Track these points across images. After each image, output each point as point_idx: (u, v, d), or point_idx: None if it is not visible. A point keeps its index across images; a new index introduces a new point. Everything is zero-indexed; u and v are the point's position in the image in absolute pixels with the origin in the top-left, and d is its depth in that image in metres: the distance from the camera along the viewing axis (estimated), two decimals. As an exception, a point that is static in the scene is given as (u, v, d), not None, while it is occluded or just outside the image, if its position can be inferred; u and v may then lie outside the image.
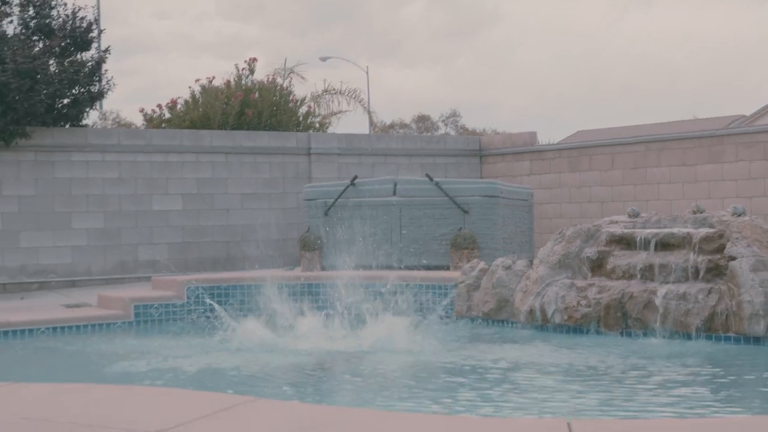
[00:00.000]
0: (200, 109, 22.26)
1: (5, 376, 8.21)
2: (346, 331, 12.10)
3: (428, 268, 15.42)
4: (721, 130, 19.41)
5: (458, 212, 15.68)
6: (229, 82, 23.13)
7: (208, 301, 14.10)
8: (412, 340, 11.87)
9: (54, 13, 19.29)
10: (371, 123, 38.38)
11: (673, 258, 11.59)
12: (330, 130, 27.47)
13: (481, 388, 8.82)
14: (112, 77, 19.48)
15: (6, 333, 12.78)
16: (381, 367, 10.05)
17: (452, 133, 70.53)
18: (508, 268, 13.02)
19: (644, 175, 19.82)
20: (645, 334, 11.35)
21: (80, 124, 19.50)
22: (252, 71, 23.59)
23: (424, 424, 5.75)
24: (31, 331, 12.99)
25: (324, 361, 10.54)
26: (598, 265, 12.37)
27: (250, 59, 23.76)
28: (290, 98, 23.78)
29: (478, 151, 23.04)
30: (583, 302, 11.88)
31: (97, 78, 19.08)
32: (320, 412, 6.24)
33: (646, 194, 19.73)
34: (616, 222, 12.95)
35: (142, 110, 23.60)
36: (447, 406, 8.10)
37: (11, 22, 19.02)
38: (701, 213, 12.50)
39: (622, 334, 11.56)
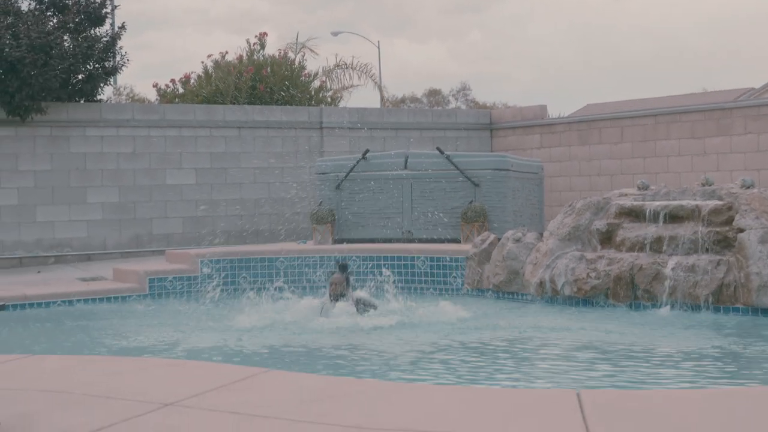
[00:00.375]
0: (213, 84, 22.25)
1: (22, 349, 8.26)
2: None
3: (439, 240, 15.42)
4: (730, 102, 19.32)
5: (469, 185, 15.66)
6: (241, 56, 23.10)
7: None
8: (426, 313, 11.89)
9: (68, -12, 19.26)
10: (382, 97, 38.29)
11: (682, 230, 11.57)
12: (342, 104, 27.44)
13: (490, 360, 8.83)
14: (126, 53, 19.46)
15: (23, 306, 12.84)
16: (392, 342, 10.07)
17: (463, 107, 70.33)
18: (518, 240, 13.02)
19: (653, 148, 19.75)
20: (654, 306, 11.35)
21: (95, 99, 19.50)
22: (263, 46, 23.54)
23: (430, 395, 5.76)
24: (47, 304, 13.05)
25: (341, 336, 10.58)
26: (607, 238, 12.36)
27: (260, 34, 23.71)
28: (302, 73, 23.74)
29: (489, 124, 22.98)
30: (593, 274, 11.88)
31: (111, 53, 19.06)
32: (329, 383, 6.26)
33: (655, 167, 19.67)
34: (626, 194, 12.93)
35: (155, 85, 23.62)
36: (458, 376, 8.12)
37: (25, -2, 19.02)
38: (710, 185, 12.47)
39: (631, 305, 11.56)
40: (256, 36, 23.75)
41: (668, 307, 11.20)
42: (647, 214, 12.00)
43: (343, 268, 11.92)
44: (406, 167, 16.19)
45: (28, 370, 6.64)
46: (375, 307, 11.55)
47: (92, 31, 19.16)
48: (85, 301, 13.35)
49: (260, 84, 21.94)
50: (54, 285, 14.26)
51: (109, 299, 13.57)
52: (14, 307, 12.67)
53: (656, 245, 11.71)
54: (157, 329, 11.17)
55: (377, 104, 37.59)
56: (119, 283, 14.39)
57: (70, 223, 18.44)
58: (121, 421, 5.04)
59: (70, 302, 13.21)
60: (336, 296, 11.60)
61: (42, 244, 18.21)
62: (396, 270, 14.14)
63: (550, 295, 12.24)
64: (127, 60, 19.37)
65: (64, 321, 12.14)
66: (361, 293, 11.88)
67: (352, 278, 12.13)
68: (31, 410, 5.35)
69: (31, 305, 12.92)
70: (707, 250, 11.33)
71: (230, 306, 13.21)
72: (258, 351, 9.52)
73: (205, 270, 14.34)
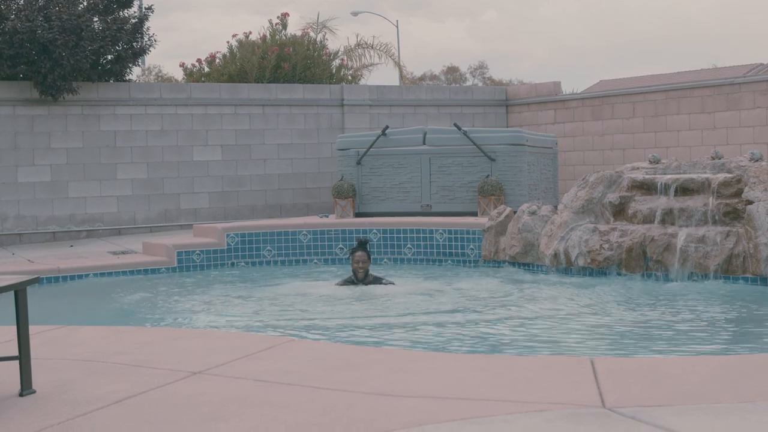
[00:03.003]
0: (237, 63, 22.22)
1: (57, 320, 8.30)
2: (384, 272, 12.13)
3: (457, 214, 15.42)
4: (739, 78, 19.18)
5: (485, 160, 15.64)
6: (264, 36, 23.06)
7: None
8: (443, 283, 11.91)
9: (96, -28, 19.24)
10: (401, 75, 38.18)
11: (693, 202, 11.53)
12: (362, 82, 27.40)
13: (505, 328, 8.84)
14: (153, 34, 19.42)
15: (57, 279, 12.91)
16: (414, 306, 10.09)
17: (479, 84, 70.09)
18: (533, 213, 13.00)
19: (664, 123, 19.66)
20: (665, 276, 11.33)
21: (124, 79, 19.51)
22: (284, 26, 23.46)
23: (451, 363, 5.77)
24: (80, 277, 13.11)
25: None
26: (620, 210, 12.33)
27: (282, 14, 23.63)
28: (323, 52, 23.69)
29: (505, 101, 22.90)
30: (606, 246, 11.86)
31: (139, 35, 19.05)
32: (351, 351, 6.28)
33: (666, 141, 19.58)
34: (638, 168, 12.88)
35: (182, 65, 23.59)
36: (471, 345, 8.14)
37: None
38: (719, 159, 12.41)
39: (642, 276, 11.54)
40: (278, 16, 23.69)
41: (679, 277, 11.18)
42: (659, 187, 11.96)
43: (364, 244, 11.72)
44: (424, 143, 16.17)
45: (62, 341, 6.68)
46: (393, 284, 11.54)
47: (120, 13, 19.15)
48: (116, 273, 13.42)
49: (284, 63, 21.90)
50: (86, 258, 14.33)
51: (138, 272, 13.62)
52: (48, 279, 12.74)
53: (667, 217, 11.68)
54: (185, 301, 11.22)
55: (396, 82, 37.51)
56: (148, 256, 14.44)
57: (101, 199, 18.51)
58: (151, 389, 5.08)
59: (102, 275, 13.27)
60: (363, 274, 11.43)
61: (74, 219, 18.28)
62: (415, 242, 14.16)
63: (565, 266, 12.23)
64: (155, 41, 19.36)
65: (96, 293, 12.21)
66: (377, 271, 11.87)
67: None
68: (66, 378, 5.40)
69: (65, 278, 12.99)
70: (717, 221, 11.30)
71: (256, 278, 13.26)
72: (284, 321, 9.56)
73: (231, 243, 14.37)
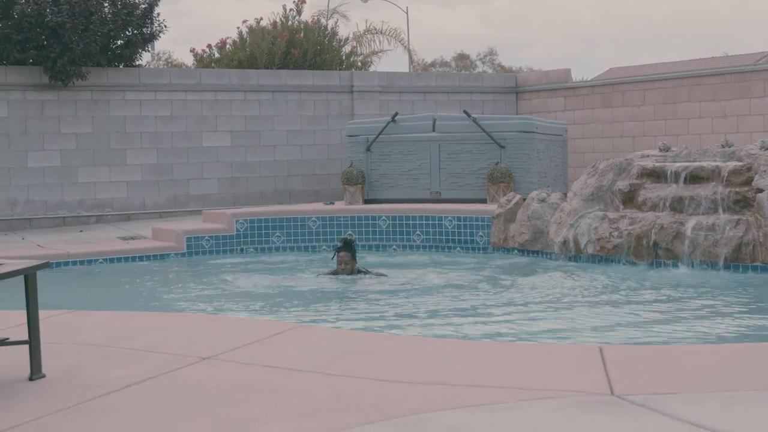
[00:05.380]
0: (248, 50, 22.19)
1: (66, 305, 8.32)
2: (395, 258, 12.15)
3: (466, 201, 15.40)
4: (749, 66, 19.12)
5: (495, 147, 15.61)
6: (275, 22, 23.01)
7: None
8: (451, 270, 11.91)
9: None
10: (411, 61, 38.09)
11: (702, 190, 11.50)
12: (371, 68, 27.33)
13: (514, 315, 8.84)
14: (163, 20, 19.42)
15: (66, 264, 12.92)
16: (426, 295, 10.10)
17: (489, 71, 69.95)
18: (543, 200, 12.98)
19: (675, 111, 19.61)
20: (674, 264, 11.31)
21: (133, 64, 19.51)
22: (299, 12, 23.41)
23: (460, 350, 5.77)
24: (90, 261, 13.13)
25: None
26: (629, 198, 12.30)
27: (299, 0, 23.55)
28: (334, 38, 23.65)
29: (514, 88, 22.86)
30: (615, 233, 11.83)
31: (149, 20, 19.03)
32: (360, 337, 6.29)
33: (676, 129, 19.53)
34: (648, 156, 12.85)
35: (192, 50, 23.57)
36: (481, 331, 8.14)
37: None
38: (730, 147, 12.37)
39: (652, 264, 11.52)
40: (294, 2, 23.58)
41: (688, 265, 11.16)
42: (668, 174, 11.93)
43: (348, 244, 11.44)
44: (434, 130, 16.15)
45: (72, 325, 6.70)
46: (386, 276, 11.42)
47: (131, -2, 19.15)
48: (126, 259, 13.44)
49: (295, 49, 21.87)
50: (96, 243, 14.36)
51: (148, 257, 13.65)
52: (58, 264, 12.75)
53: (677, 205, 11.65)
54: (194, 286, 11.24)
55: (406, 69, 37.44)
56: (158, 241, 14.46)
57: (111, 184, 18.53)
58: (160, 374, 5.08)
59: (111, 260, 13.29)
60: (344, 273, 11.28)
61: (84, 204, 18.31)
62: (424, 229, 14.15)
63: (574, 254, 12.22)
64: (165, 26, 19.35)
65: (106, 278, 12.24)
66: (366, 267, 11.73)
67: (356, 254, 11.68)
68: (76, 363, 5.41)
69: (74, 263, 13.00)
70: (727, 209, 11.26)
71: (265, 264, 13.27)
72: (294, 306, 9.57)
73: (240, 229, 14.38)
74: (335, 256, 11.39)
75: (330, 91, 20.70)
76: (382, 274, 11.37)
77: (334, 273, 11.34)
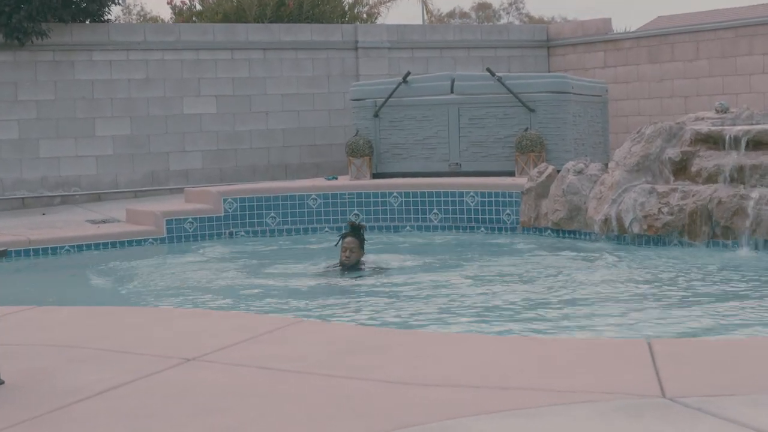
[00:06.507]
0: (234, 0, 22.16)
1: (28, 300, 8.34)
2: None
3: (490, 174, 15.37)
4: (822, 12, 19.05)
5: (524, 111, 15.58)
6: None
7: None
8: (471, 253, 11.92)
9: None
10: (426, 12, 38.02)
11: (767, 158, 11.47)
12: (379, 21, 27.29)
13: (546, 306, 8.84)
14: (135, -34, 19.43)
15: (27, 252, 12.94)
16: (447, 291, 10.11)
17: (516, 22, 69.80)
18: (580, 172, 12.96)
19: (734, 65, 19.54)
20: (734, 245, 11.29)
21: (101, 20, 19.49)
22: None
23: (481, 346, 5.77)
24: (54, 250, 13.15)
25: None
26: (681, 168, 12.27)
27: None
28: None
29: (546, 41, 22.80)
30: (665, 209, 11.81)
31: (118, -32, 19.04)
32: (367, 333, 6.30)
33: (735, 86, 19.46)
34: (702, 118, 12.81)
35: (170, 2, 23.53)
36: (521, 324, 8.14)
37: None
38: (799, 107, 12.33)
39: (708, 244, 11.50)
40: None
41: (750, 245, 11.13)
42: (727, 140, 11.89)
43: (357, 229, 11.16)
44: (452, 91, 16.12)
45: (34, 323, 6.71)
46: (392, 269, 11.22)
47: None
48: (96, 245, 13.45)
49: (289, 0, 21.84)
50: (61, 228, 14.39)
51: (122, 243, 13.66)
52: (17, 253, 12.77)
53: (737, 176, 11.61)
54: (176, 276, 11.26)
55: (420, 21, 37.40)
56: (133, 225, 14.48)
57: (78, 159, 18.54)
58: (138, 378, 5.10)
59: (80, 247, 13.31)
60: (349, 264, 10.94)
61: (47, 183, 18.34)
62: (442, 207, 14.15)
63: (617, 234, 12.20)
64: (137, -25, 19.34)
65: (74, 268, 12.26)
66: (374, 257, 11.54)
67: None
68: (39, 366, 5.42)
69: (36, 251, 13.02)
70: (796, 180, 11.24)
71: (257, 250, 13.29)
72: (291, 299, 9.59)
73: (229, 209, 14.38)
74: (339, 243, 11.09)
75: (331, 48, 20.67)
76: (386, 268, 11.22)
77: (340, 265, 11.01)
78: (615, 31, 22.16)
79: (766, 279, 9.72)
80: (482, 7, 73.63)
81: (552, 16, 70.13)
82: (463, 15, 72.00)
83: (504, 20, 72.23)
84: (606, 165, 13.26)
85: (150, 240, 13.89)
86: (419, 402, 4.48)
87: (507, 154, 15.56)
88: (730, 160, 11.73)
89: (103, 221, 15.23)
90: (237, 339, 5.89)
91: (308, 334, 6.11)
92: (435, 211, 14.22)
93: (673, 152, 12.36)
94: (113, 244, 13.57)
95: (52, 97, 18.35)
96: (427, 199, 14.29)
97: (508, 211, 13.72)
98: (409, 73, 16.60)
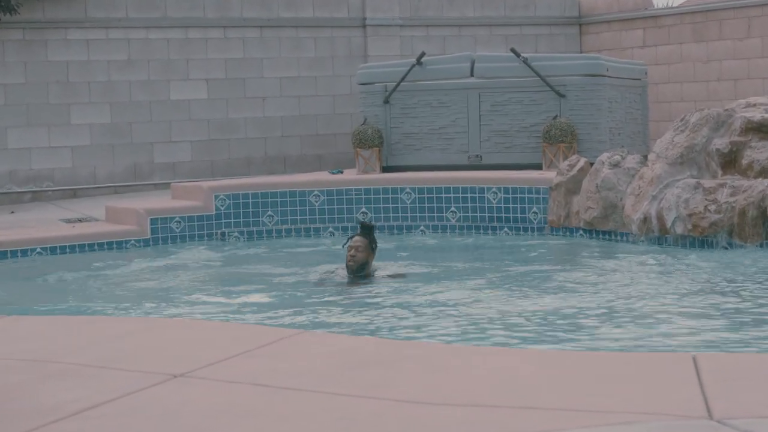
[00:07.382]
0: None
1: (-4, 308, 8.36)
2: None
3: (515, 167, 15.37)
4: None
5: (552, 96, 15.58)
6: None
7: None
8: (493, 257, 11.92)
9: None
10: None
11: (827, 150, 11.47)
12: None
13: (577, 315, 8.85)
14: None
15: (-6, 255, 12.99)
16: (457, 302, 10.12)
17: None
18: (616, 165, 12.96)
19: (790, 45, 19.56)
20: (792, 247, 11.29)
21: (78, -7, 19.55)
22: None
23: (504, 361, 5.78)
24: (24, 252, 13.16)
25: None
26: (730, 160, 12.27)
27: None
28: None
29: (577, 18, 22.80)
30: (712, 207, 11.81)
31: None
32: (377, 346, 6.31)
33: (792, 69, 19.49)
34: (754, 105, 12.81)
35: (154, -26, 23.59)
36: (551, 336, 8.15)
37: None
38: None
39: (761, 245, 11.48)
40: None
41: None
42: (782, 129, 11.90)
43: (367, 229, 10.99)
44: (472, 74, 16.12)
45: (3, 334, 6.73)
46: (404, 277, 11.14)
47: None
48: (72, 247, 13.46)
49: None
50: (32, 228, 14.41)
51: (101, 245, 13.66)
52: (-17, 256, 12.82)
53: (794, 169, 11.62)
54: (162, 282, 11.29)
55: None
56: (113, 225, 14.49)
57: (51, 151, 18.56)
58: (119, 397, 5.10)
59: (53, 249, 13.32)
60: (355, 266, 10.75)
61: (16, 178, 18.37)
62: (460, 204, 14.15)
63: (657, 235, 12.19)
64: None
65: (46, 273, 12.27)
66: (387, 265, 11.36)
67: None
68: (9, 383, 5.43)
69: (5, 254, 13.03)
70: None
71: (252, 252, 13.30)
72: (291, 309, 9.60)
73: (221, 207, 14.38)
74: (347, 244, 10.93)
75: (336, 26, 20.69)
76: (400, 275, 11.12)
77: (345, 269, 10.87)
78: (655, 6, 22.15)
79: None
80: (506, -21, 73.61)
81: (585, -11, 70.09)
82: (485, -12, 71.93)
83: (530, -6, 72.15)
84: (645, 157, 13.25)
85: (132, 241, 13.90)
86: (434, 423, 4.49)
87: (533, 144, 15.56)
88: (785, 151, 11.74)
89: (80, 220, 15.25)
90: (230, 353, 5.90)
91: (310, 347, 6.12)
92: (452, 209, 14.23)
93: (721, 143, 12.35)
94: (91, 246, 13.58)
95: (21, 80, 18.37)
96: (443, 195, 14.29)
97: (534, 210, 13.72)
98: (423, 54, 16.60)
